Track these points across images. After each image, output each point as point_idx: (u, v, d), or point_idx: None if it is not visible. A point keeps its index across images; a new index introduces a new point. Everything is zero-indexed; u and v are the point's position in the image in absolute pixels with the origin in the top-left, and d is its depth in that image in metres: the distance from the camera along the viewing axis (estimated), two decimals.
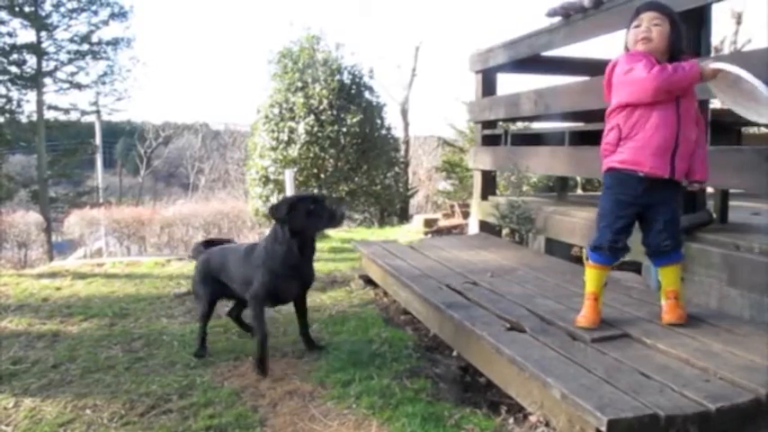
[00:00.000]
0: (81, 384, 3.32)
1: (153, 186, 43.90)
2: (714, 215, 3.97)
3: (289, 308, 4.71)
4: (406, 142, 17.97)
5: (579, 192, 9.26)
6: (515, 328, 3.13)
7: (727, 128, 4.94)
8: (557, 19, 5.15)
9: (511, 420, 2.78)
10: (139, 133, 42.26)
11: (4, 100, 27.24)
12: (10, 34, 26.75)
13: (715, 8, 3.88)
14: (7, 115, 27.53)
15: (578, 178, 9.34)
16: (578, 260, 5.34)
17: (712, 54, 5.40)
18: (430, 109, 54.54)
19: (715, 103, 3.90)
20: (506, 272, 4.38)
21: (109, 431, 2.78)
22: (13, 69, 27.06)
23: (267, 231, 3.80)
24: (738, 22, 15.20)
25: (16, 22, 26.68)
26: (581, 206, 5.37)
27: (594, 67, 5.53)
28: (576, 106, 5.13)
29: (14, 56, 26.88)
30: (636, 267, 4.27)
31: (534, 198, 6.78)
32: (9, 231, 18.73)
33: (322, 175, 13.75)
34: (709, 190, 4.18)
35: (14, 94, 27.33)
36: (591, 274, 3.13)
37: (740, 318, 3.28)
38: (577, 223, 4.89)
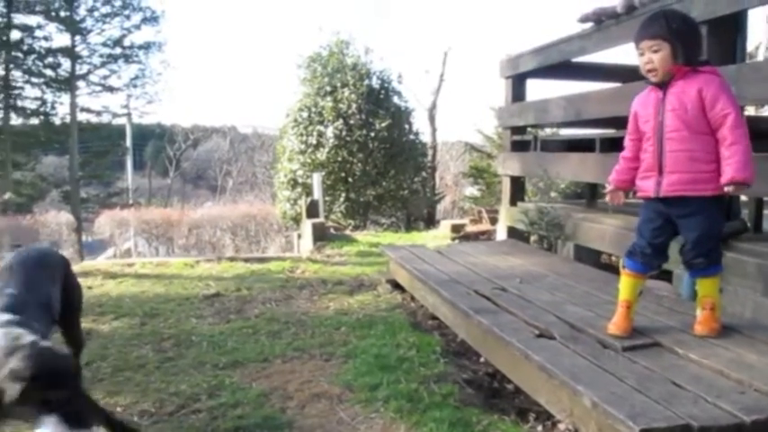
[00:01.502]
0: (112, 382, 3.36)
1: (181, 188, 44.36)
2: (749, 224, 3.91)
3: (317, 310, 4.76)
4: (434, 147, 17.95)
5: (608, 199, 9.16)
6: (544, 335, 3.10)
7: (763, 134, 4.87)
8: (588, 25, 5.12)
9: (539, 428, 2.76)
10: (169, 136, 42.73)
11: (38, 102, 27.85)
12: (46, 38, 27.41)
13: (750, 13, 3.83)
14: (41, 117, 28.12)
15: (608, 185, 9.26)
16: (607, 267, 5.30)
17: (747, 60, 5.33)
18: (457, 114, 54.43)
19: (749, 111, 3.88)
20: (535, 278, 4.35)
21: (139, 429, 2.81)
22: (48, 72, 27.66)
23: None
24: None
25: (52, 27, 27.25)
26: (611, 213, 5.32)
27: (627, 74, 5.48)
28: (607, 113, 5.08)
29: (49, 59, 27.47)
30: (667, 276, 4.22)
31: (563, 204, 6.73)
32: (41, 231, 19.00)
33: (350, 179, 13.80)
34: (743, 198, 4.13)
35: (49, 96, 27.98)
36: (625, 282, 3.10)
37: None
38: (607, 230, 4.85)
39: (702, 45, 3.05)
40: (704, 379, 2.52)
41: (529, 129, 6.98)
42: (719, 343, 2.91)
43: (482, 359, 3.61)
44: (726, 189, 2.82)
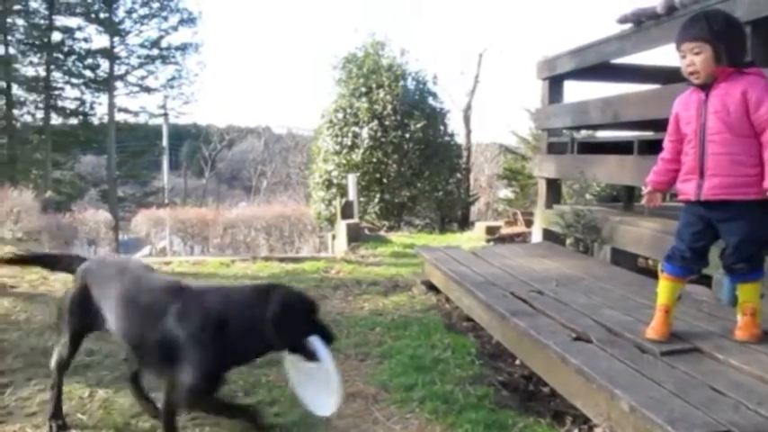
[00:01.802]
0: (150, 378, 3.41)
1: (216, 188, 44.79)
2: None
3: (352, 311, 4.78)
4: (468, 149, 17.87)
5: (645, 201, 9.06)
6: (581, 339, 3.09)
7: None
8: (627, 26, 5.07)
9: (576, 431, 2.75)
10: (204, 136, 43.19)
11: (78, 103, 28.39)
12: (86, 39, 27.94)
13: None
14: (80, 117, 28.66)
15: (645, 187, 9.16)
16: (645, 271, 5.24)
17: None
18: (492, 116, 54.22)
19: None
20: (571, 281, 4.32)
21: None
22: (88, 73, 28.19)
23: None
24: None
25: (92, 28, 27.76)
26: (648, 217, 5.26)
27: (666, 76, 5.43)
28: (646, 115, 5.03)
29: (89, 60, 28.00)
30: (707, 280, 4.17)
31: (599, 207, 6.68)
32: (80, 229, 19.38)
33: (384, 180, 13.83)
34: None
35: (88, 97, 28.53)
36: (663, 286, 3.07)
37: None
38: (644, 234, 4.80)
39: (747, 46, 2.99)
40: (745, 385, 2.48)
41: (565, 131, 6.92)
42: (761, 349, 2.86)
43: (517, 361, 3.60)
44: None
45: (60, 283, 5.48)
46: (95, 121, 29.03)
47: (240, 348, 2.47)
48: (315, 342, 2.41)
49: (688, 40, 2.87)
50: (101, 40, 29.29)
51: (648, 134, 6.28)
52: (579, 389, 2.81)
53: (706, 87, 2.89)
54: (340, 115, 14.06)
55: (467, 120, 18.26)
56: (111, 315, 2.63)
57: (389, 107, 13.74)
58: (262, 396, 3.15)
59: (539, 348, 3.17)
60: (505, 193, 17.44)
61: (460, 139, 17.00)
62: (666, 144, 3.14)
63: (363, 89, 14.03)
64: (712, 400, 2.34)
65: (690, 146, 2.98)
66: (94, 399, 3.15)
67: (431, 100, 14.94)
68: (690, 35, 2.88)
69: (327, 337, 2.46)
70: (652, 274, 5.17)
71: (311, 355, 2.41)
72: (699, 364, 2.74)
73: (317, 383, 2.47)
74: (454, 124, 16.62)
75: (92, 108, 28.77)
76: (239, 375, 3.42)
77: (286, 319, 2.40)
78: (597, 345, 2.99)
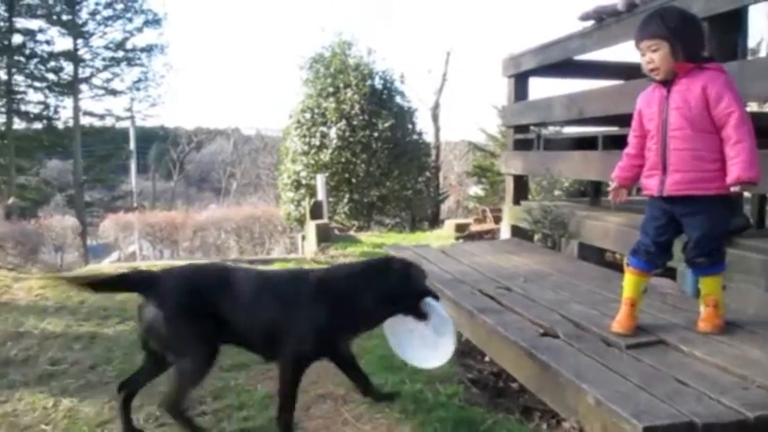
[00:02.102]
0: (117, 386, 3.36)
1: (185, 191, 44.40)
2: (751, 220, 3.91)
3: None
4: (437, 147, 17.95)
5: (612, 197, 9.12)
6: (549, 334, 3.12)
7: (763, 132, 4.87)
8: (589, 23, 5.12)
9: (544, 426, 2.76)
10: (172, 138, 42.77)
11: (41, 106, 27.88)
12: (48, 42, 27.43)
13: (751, 10, 3.83)
14: (45, 121, 28.15)
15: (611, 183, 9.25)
16: (611, 265, 5.30)
17: (749, 57, 5.33)
18: (461, 114, 54.42)
19: (752, 107, 3.89)
20: (539, 277, 4.35)
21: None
22: (51, 76, 27.70)
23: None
24: None
25: (54, 31, 27.28)
26: (613, 211, 5.32)
27: (628, 71, 5.48)
28: (610, 110, 5.08)
29: (52, 63, 27.50)
30: (672, 273, 4.22)
31: (566, 203, 6.73)
32: (46, 235, 19.06)
33: (353, 180, 13.82)
34: (746, 195, 4.12)
35: (52, 100, 28.01)
36: (628, 280, 3.11)
37: None
38: (610, 228, 4.85)
39: (704, 41, 3.03)
40: (708, 376, 2.52)
41: (532, 127, 6.97)
42: (723, 339, 2.92)
43: (487, 358, 3.61)
44: (732, 189, 2.81)
45: (24, 291, 5.40)
46: (60, 125, 28.50)
47: (371, 316, 2.75)
48: (430, 301, 2.71)
49: (645, 38, 2.92)
50: (64, 43, 28.80)
51: (613, 129, 6.35)
52: (547, 384, 2.82)
53: (667, 83, 2.92)
54: (308, 115, 14.02)
55: (435, 118, 18.33)
56: (237, 315, 2.66)
57: (357, 107, 13.74)
58: (230, 400, 3.11)
59: (507, 345, 3.19)
60: (475, 190, 17.53)
61: (429, 137, 17.07)
62: (631, 140, 3.18)
63: (331, 89, 14.01)
64: (676, 392, 2.37)
65: (652, 141, 3.02)
66: (59, 409, 3.09)
67: (398, 99, 14.96)
68: (647, 33, 2.92)
69: (435, 297, 2.75)
70: (619, 268, 5.22)
71: (423, 315, 2.69)
72: (664, 356, 2.78)
73: (422, 341, 2.78)
74: (422, 123, 16.68)
75: (56, 112, 28.26)
76: (208, 380, 3.37)
77: (407, 283, 2.69)
78: (564, 340, 3.02)
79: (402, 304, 2.71)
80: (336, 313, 2.63)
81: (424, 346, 2.81)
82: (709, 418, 2.15)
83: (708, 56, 3.00)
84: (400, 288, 2.69)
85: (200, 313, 2.63)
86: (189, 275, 2.81)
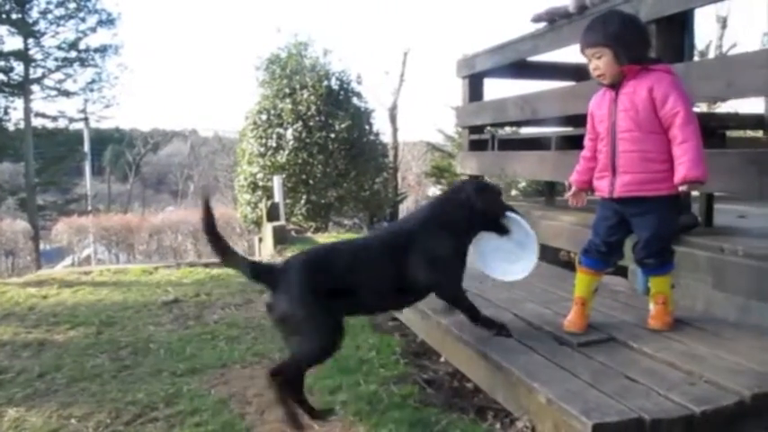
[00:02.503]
0: (66, 393, 3.29)
1: (142, 193, 43.80)
2: (699, 218, 3.99)
3: None
4: (395, 147, 18.01)
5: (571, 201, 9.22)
6: (502, 334, 3.13)
7: (711, 132, 4.97)
8: (542, 24, 5.17)
9: (498, 426, 2.77)
10: (128, 140, 42.12)
11: None
12: None
13: (700, 13, 3.91)
14: None
15: (566, 183, 9.37)
16: (565, 264, 5.36)
17: (695, 58, 5.43)
18: (419, 114, 54.67)
19: (702, 107, 3.98)
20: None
21: None
22: (0, 77, 26.93)
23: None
24: (723, 27, 15.32)
25: (3, 29, 26.58)
26: (568, 210, 5.37)
27: (580, 72, 5.55)
28: (563, 111, 5.14)
29: (1, 63, 26.77)
30: (623, 271, 4.28)
31: (522, 203, 6.79)
32: None
33: (311, 181, 13.76)
34: (695, 193, 4.20)
35: (1, 101, 27.25)
36: (580, 279, 3.15)
37: (726, 321, 3.28)
38: (564, 227, 4.90)
39: (650, 43, 3.07)
40: (657, 372, 2.57)
41: (487, 128, 7.01)
42: (672, 336, 2.97)
43: (442, 359, 3.62)
44: (680, 188, 2.85)
45: None
46: (10, 126, 27.80)
47: (467, 236, 3.08)
48: (512, 216, 3.05)
49: (588, 46, 2.97)
50: (14, 42, 28.12)
51: (567, 130, 6.43)
52: (500, 384, 2.84)
53: (616, 86, 2.97)
54: (264, 117, 13.93)
55: (393, 118, 18.39)
56: (369, 279, 2.86)
57: (313, 108, 13.69)
58: (183, 406, 3.06)
59: (461, 345, 3.20)
60: (434, 190, 17.62)
61: (387, 138, 17.12)
62: (586, 142, 3.22)
63: (287, 90, 13.95)
64: (626, 389, 2.41)
65: (602, 144, 3.06)
66: (4, 419, 3.01)
67: (355, 100, 14.95)
68: (589, 41, 2.97)
69: (514, 211, 3.09)
70: (572, 267, 5.29)
71: (505, 230, 3.04)
72: (614, 353, 2.82)
73: (505, 255, 3.12)
74: (380, 123, 16.71)
75: (6, 113, 27.51)
76: (161, 385, 3.33)
77: (484, 202, 3.02)
78: (517, 339, 3.04)
79: (485, 222, 3.05)
80: (450, 239, 2.98)
81: (507, 260, 3.13)
82: (658, 413, 2.18)
83: (655, 57, 3.05)
84: (480, 207, 3.00)
85: (328, 297, 2.72)
86: (311, 261, 2.83)
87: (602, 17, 3.04)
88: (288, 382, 2.68)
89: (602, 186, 3.07)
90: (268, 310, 2.76)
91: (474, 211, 3.00)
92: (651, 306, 3.15)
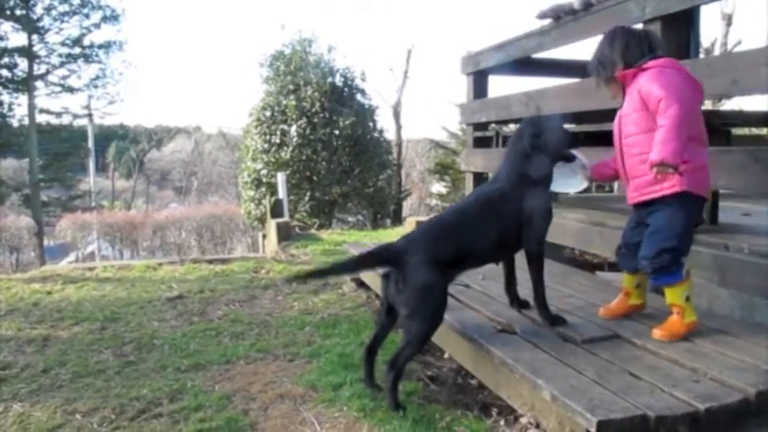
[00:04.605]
0: (71, 389, 3.30)
1: (146, 189, 43.82)
2: (704, 216, 3.98)
3: (281, 311, 4.74)
4: (399, 144, 17.99)
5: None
6: (506, 330, 3.13)
7: (716, 129, 4.96)
8: (547, 21, 5.15)
9: (502, 422, 2.78)
10: (132, 137, 42.16)
11: None
12: (1, 38, 26.64)
13: (705, 10, 3.90)
14: None
15: None
16: (570, 262, 5.36)
17: (701, 56, 5.42)
18: (423, 111, 54.64)
19: (706, 105, 3.96)
20: (498, 274, 4.33)
21: None
22: (4, 73, 26.95)
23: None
24: (728, 24, 15.27)
25: (7, 26, 26.56)
26: (573, 208, 5.37)
27: (585, 70, 5.54)
28: (567, 108, 5.12)
29: (5, 59, 26.77)
30: None
31: None
32: (0, 236, 18.63)
33: (314, 178, 13.77)
34: None
35: (5, 97, 27.23)
36: (624, 274, 3.28)
37: (730, 318, 3.29)
38: (569, 225, 4.89)
39: (642, 44, 3.03)
40: (661, 369, 2.56)
41: (492, 125, 7.00)
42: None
43: (446, 355, 3.62)
44: (655, 172, 2.71)
45: None
46: (15, 122, 27.82)
47: (548, 173, 3.22)
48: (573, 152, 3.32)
49: (600, 83, 3.14)
50: (18, 38, 28.09)
51: (572, 127, 6.42)
52: (504, 380, 2.84)
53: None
54: (268, 113, 13.93)
55: (397, 116, 18.38)
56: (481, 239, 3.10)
57: (317, 104, 13.68)
58: (187, 402, 3.07)
59: (465, 342, 3.20)
60: (438, 187, 17.61)
61: (391, 135, 17.12)
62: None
63: (291, 86, 13.95)
64: (630, 385, 2.41)
65: (617, 152, 3.10)
66: (9, 414, 3.02)
67: (359, 96, 14.94)
68: (598, 80, 3.14)
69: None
70: (577, 265, 5.30)
71: (571, 157, 3.29)
72: (618, 350, 2.81)
73: (562, 176, 3.32)
74: (384, 120, 16.72)
75: (10, 109, 27.51)
76: (165, 381, 3.34)
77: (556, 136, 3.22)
78: (521, 336, 3.04)
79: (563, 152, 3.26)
80: (534, 190, 3.14)
81: (563, 179, 3.35)
82: (662, 410, 2.18)
83: (653, 54, 2.97)
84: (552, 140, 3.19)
85: (443, 269, 2.91)
86: (430, 237, 3.02)
87: (596, 57, 3.13)
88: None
89: (627, 194, 3.13)
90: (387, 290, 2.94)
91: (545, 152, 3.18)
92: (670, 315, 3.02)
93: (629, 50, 2.98)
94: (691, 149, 2.78)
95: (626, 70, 2.94)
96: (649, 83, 2.81)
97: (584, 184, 3.39)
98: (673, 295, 2.97)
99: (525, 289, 3.47)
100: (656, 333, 2.93)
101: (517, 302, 3.49)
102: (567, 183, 3.39)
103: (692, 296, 3.01)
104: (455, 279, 3.17)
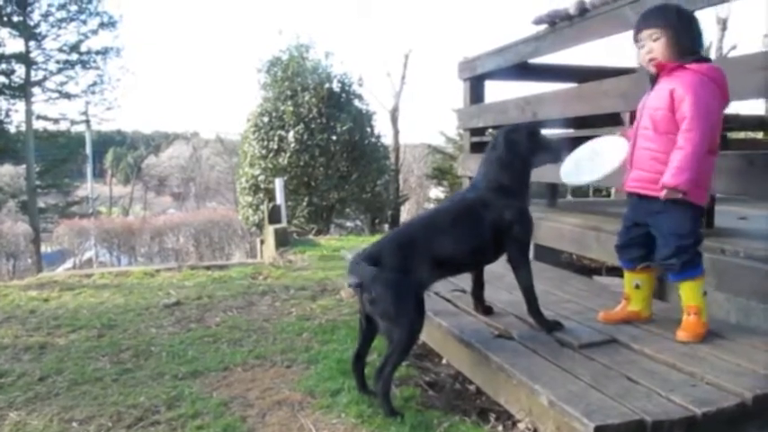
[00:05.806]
0: (68, 397, 3.30)
1: (143, 195, 43.79)
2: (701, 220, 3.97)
3: (279, 316, 4.74)
4: (397, 150, 18.01)
5: (569, 198, 9.24)
6: (503, 336, 3.13)
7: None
8: (543, 26, 5.17)
9: (500, 428, 2.78)
10: (130, 143, 42.16)
11: None
12: None
13: (700, 15, 3.89)
14: None
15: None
16: (567, 266, 5.36)
17: None
18: (420, 116, 54.74)
19: None
20: (495, 278, 4.35)
21: None
22: (2, 79, 26.97)
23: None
24: (724, 29, 15.33)
25: (4, 32, 26.57)
26: (570, 212, 5.38)
27: (582, 74, 5.55)
28: (564, 113, 5.13)
29: (2, 65, 26.77)
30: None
31: None
32: None
33: (312, 183, 13.78)
34: None
35: (2, 104, 27.26)
36: (624, 276, 3.26)
37: (727, 322, 3.29)
38: (566, 230, 4.89)
39: (698, 40, 3.02)
40: (658, 373, 2.56)
41: (489, 130, 7.00)
42: (673, 337, 2.96)
43: (444, 361, 3.62)
44: (662, 194, 2.79)
45: None
46: (12, 129, 27.79)
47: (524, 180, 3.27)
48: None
49: (647, 27, 2.93)
50: (15, 44, 28.08)
51: (569, 132, 6.42)
52: (502, 386, 2.84)
53: (652, 82, 2.96)
54: (265, 119, 13.94)
55: (394, 121, 18.40)
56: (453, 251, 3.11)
57: (315, 110, 13.70)
58: (185, 409, 3.06)
59: (462, 347, 3.20)
60: (436, 192, 17.63)
61: (388, 140, 17.13)
62: None
63: (289, 92, 13.96)
64: (627, 390, 2.40)
65: (632, 136, 3.09)
66: (5, 423, 3.01)
67: (357, 102, 14.97)
68: (648, 23, 2.94)
69: (552, 148, 3.39)
70: (574, 269, 5.30)
71: (557, 157, 3.36)
72: (615, 354, 2.81)
73: (578, 171, 3.35)
74: (381, 126, 16.74)
75: (7, 116, 27.49)
76: (162, 388, 3.34)
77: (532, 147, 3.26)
78: (519, 341, 3.04)
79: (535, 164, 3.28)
80: (511, 198, 3.18)
81: (578, 173, 3.37)
82: (659, 415, 2.18)
83: (696, 57, 2.96)
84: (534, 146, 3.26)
85: (414, 277, 2.89)
86: (398, 245, 3.01)
87: (662, 6, 3.04)
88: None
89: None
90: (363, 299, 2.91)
91: (524, 163, 3.24)
92: (684, 317, 3.00)
93: (691, 39, 2.94)
94: (703, 162, 2.81)
95: (679, 57, 2.86)
96: (685, 91, 2.77)
97: (617, 162, 3.14)
98: (692, 292, 2.96)
99: (544, 302, 3.47)
100: (681, 335, 2.93)
101: (482, 308, 3.51)
102: (594, 167, 3.27)
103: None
104: (430, 286, 3.15)
